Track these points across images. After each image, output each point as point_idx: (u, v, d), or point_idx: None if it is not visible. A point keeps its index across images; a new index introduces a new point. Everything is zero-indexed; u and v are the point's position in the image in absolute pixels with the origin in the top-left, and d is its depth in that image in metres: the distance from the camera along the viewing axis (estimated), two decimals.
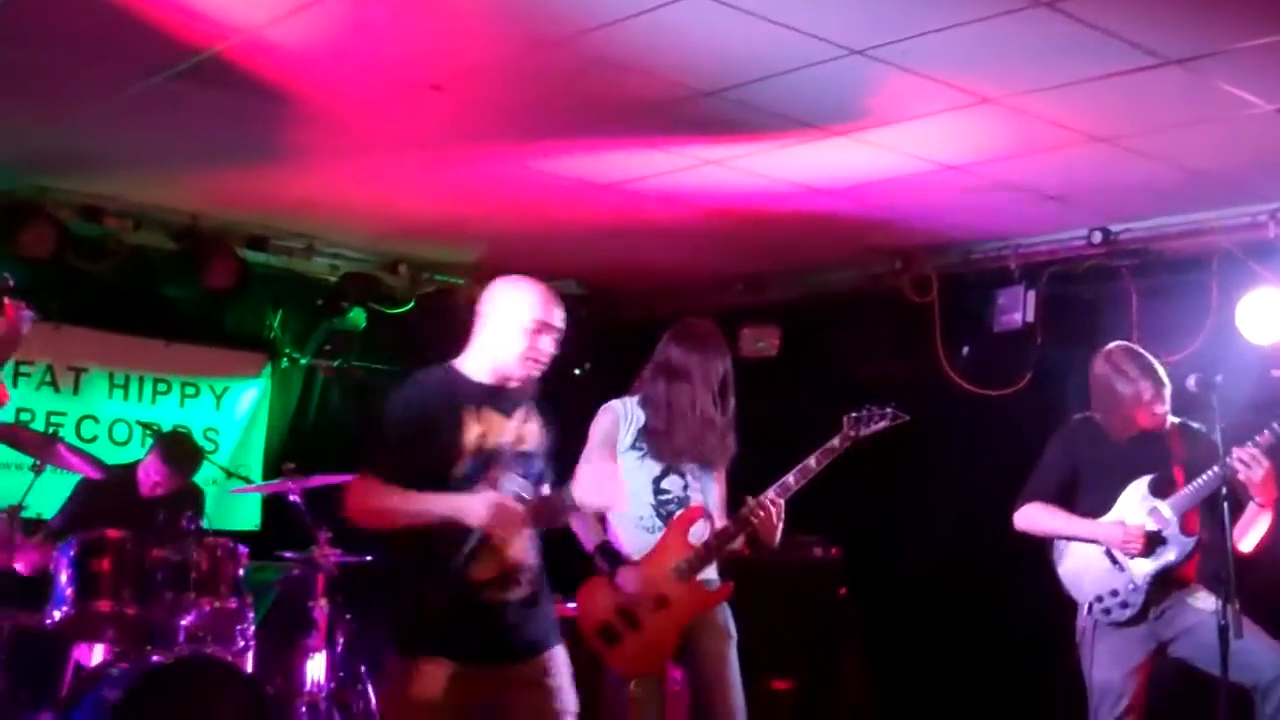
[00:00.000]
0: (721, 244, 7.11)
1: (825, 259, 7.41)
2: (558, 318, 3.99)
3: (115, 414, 7.49)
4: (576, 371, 8.42)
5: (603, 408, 4.93)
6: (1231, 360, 4.71)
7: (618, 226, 6.79)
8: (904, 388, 5.42)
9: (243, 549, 5.84)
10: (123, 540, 5.47)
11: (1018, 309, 6.83)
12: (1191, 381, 4.63)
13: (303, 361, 8.08)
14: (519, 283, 4.03)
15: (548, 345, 3.96)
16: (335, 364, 8.15)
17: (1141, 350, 5.04)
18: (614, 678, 4.81)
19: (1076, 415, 5.14)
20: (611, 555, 4.75)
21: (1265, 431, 4.62)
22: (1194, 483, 4.75)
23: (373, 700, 6.15)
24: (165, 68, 4.94)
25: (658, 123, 5.34)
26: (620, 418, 4.89)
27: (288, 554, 6.30)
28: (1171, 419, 4.99)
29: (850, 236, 6.91)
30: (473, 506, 3.68)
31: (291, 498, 6.13)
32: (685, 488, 4.87)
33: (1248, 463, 4.60)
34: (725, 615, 4.81)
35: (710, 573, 4.83)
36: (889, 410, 4.83)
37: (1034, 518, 5.05)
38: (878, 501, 6.20)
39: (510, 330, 3.93)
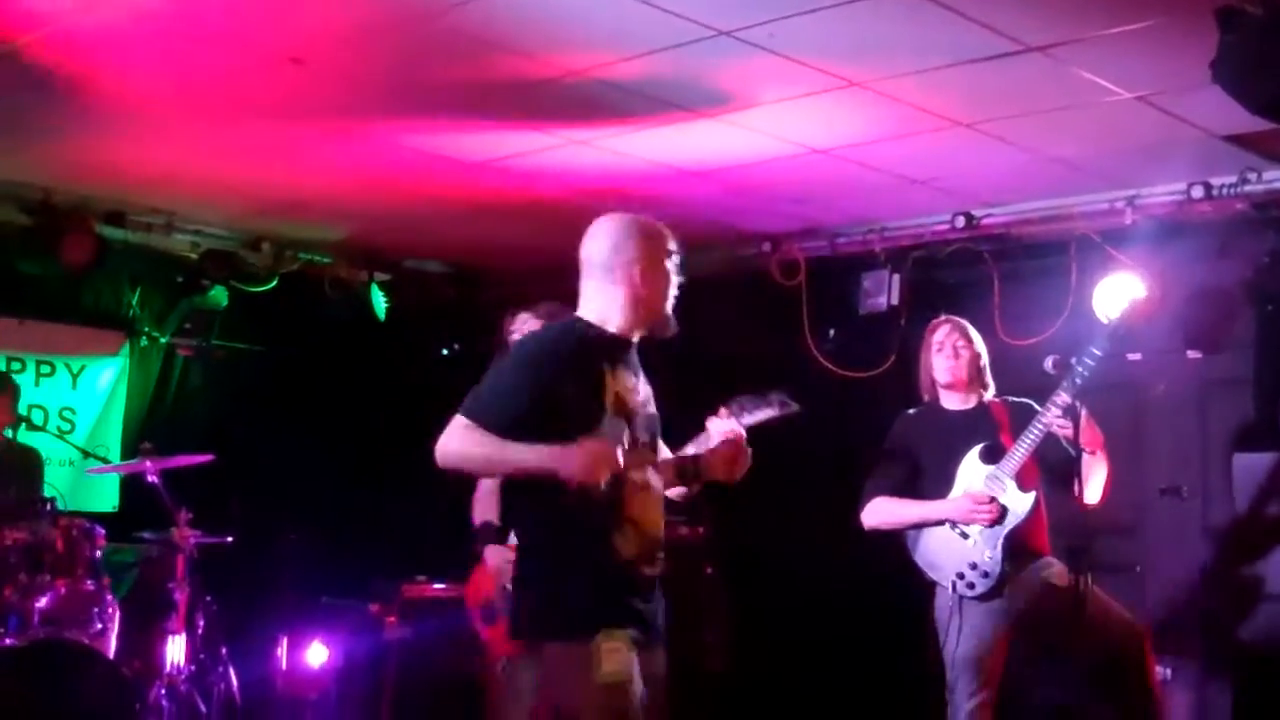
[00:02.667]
0: (589, 224, 7.10)
1: (695, 241, 7.42)
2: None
3: None
4: (445, 352, 8.41)
5: None
6: (1089, 344, 4.85)
7: (486, 205, 6.77)
8: (772, 369, 5.48)
9: (100, 530, 5.77)
10: None
11: (883, 292, 6.96)
12: (1049, 363, 4.78)
13: (162, 340, 7.95)
14: (637, 218, 3.74)
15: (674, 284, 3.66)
16: (195, 343, 8.04)
17: (954, 320, 5.21)
18: (492, 657, 4.83)
19: (908, 410, 5.29)
20: (488, 532, 4.76)
21: (1068, 380, 4.75)
22: (1019, 440, 4.93)
23: (234, 682, 6.12)
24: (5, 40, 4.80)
25: (525, 101, 5.34)
26: None
27: (146, 535, 6.23)
28: (993, 396, 5.17)
29: (719, 219, 6.97)
30: (569, 455, 3.36)
31: (150, 478, 6.05)
32: None
33: (1061, 414, 4.76)
34: None
35: None
36: (775, 398, 4.85)
37: (880, 511, 5.18)
38: (743, 481, 6.22)
39: (657, 268, 3.62)
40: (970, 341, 5.20)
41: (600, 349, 3.58)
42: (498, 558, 4.72)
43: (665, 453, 3.77)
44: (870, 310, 7.00)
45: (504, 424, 3.44)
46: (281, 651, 6.92)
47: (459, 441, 3.47)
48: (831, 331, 7.23)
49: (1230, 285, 6.21)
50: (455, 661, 6.21)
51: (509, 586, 4.61)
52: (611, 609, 3.44)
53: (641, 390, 3.65)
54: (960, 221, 6.66)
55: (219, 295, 7.70)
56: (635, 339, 3.67)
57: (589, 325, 3.63)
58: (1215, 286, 6.25)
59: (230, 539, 6.21)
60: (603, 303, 3.64)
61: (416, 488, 7.89)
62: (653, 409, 3.69)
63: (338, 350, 8.21)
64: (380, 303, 7.98)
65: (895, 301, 6.93)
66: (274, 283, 7.82)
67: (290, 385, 8.09)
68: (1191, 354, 6.31)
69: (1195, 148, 5.56)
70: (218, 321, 8.03)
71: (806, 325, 7.18)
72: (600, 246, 3.67)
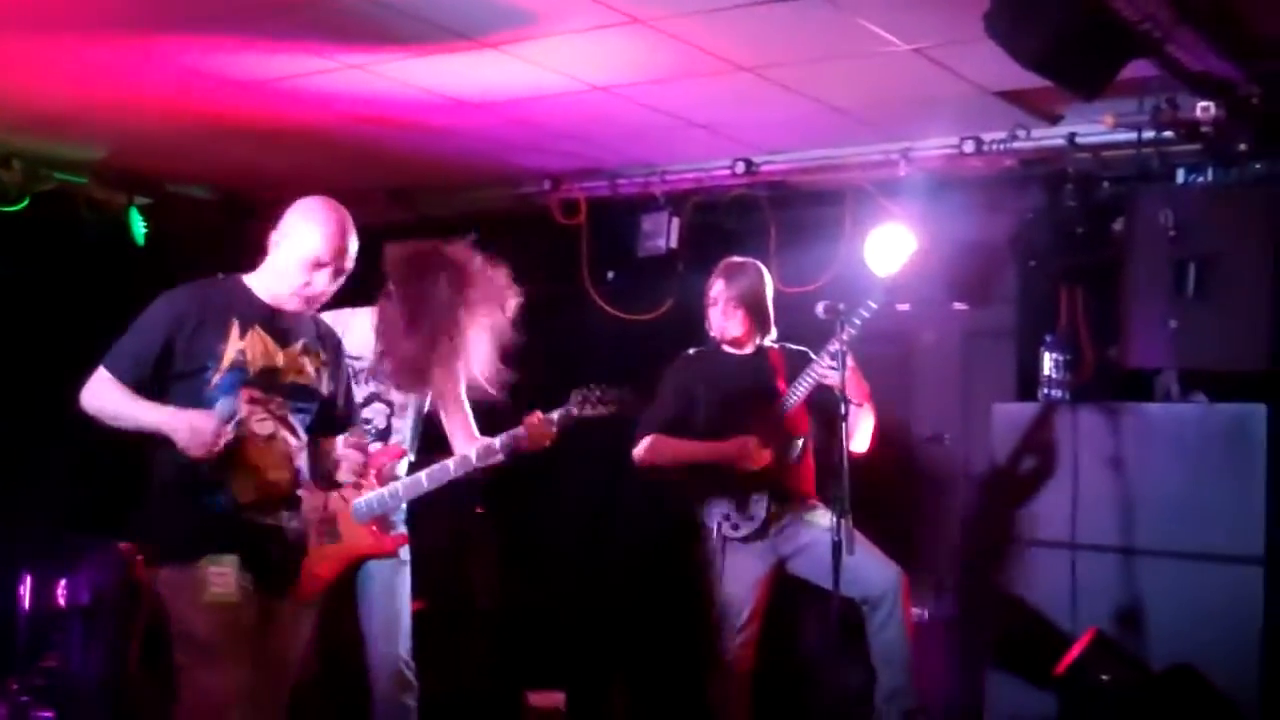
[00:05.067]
0: (365, 154, 7.00)
1: (475, 176, 7.40)
2: (345, 257, 3.95)
3: None
4: None
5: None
6: (860, 292, 4.97)
7: (255, 129, 6.58)
8: (551, 309, 5.50)
9: None
10: None
11: (662, 235, 7.02)
12: (820, 308, 4.90)
13: None
14: (312, 211, 4.02)
15: (324, 282, 3.93)
16: None
17: (732, 272, 5.29)
18: None
19: (688, 350, 5.37)
20: None
21: (839, 330, 4.89)
22: (791, 388, 5.05)
23: None
24: None
25: (298, 21, 5.19)
26: None
27: None
28: (771, 342, 5.29)
29: (499, 155, 6.91)
30: (175, 423, 3.79)
31: None
32: (390, 416, 4.78)
33: (833, 364, 4.89)
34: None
35: (400, 514, 4.78)
36: (618, 394, 4.79)
37: (655, 448, 5.26)
38: (516, 420, 6.25)
39: (288, 259, 3.94)
40: (741, 297, 5.24)
41: (240, 305, 3.96)
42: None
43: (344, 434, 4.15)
44: (649, 253, 7.05)
45: (130, 370, 3.93)
46: (25, 589, 6.73)
47: (91, 392, 3.96)
48: (610, 273, 7.26)
49: (996, 240, 6.42)
50: None
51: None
52: (220, 539, 3.86)
53: (287, 359, 3.98)
54: (740, 168, 6.74)
55: None
56: (289, 311, 4.01)
57: (240, 283, 4.05)
58: (982, 241, 6.45)
59: None
60: (262, 268, 4.06)
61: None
62: (309, 382, 4.04)
63: (94, 276, 7.91)
64: (139, 227, 7.72)
65: (674, 245, 7.00)
66: (25, 202, 7.48)
67: (39, 308, 7.77)
68: (958, 306, 6.53)
69: (968, 103, 5.72)
70: None
71: (586, 266, 7.20)
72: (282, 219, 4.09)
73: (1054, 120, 5.95)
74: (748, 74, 5.55)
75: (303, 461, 4.04)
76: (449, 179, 7.45)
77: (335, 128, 6.52)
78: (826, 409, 5.07)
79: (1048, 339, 5.96)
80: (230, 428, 3.80)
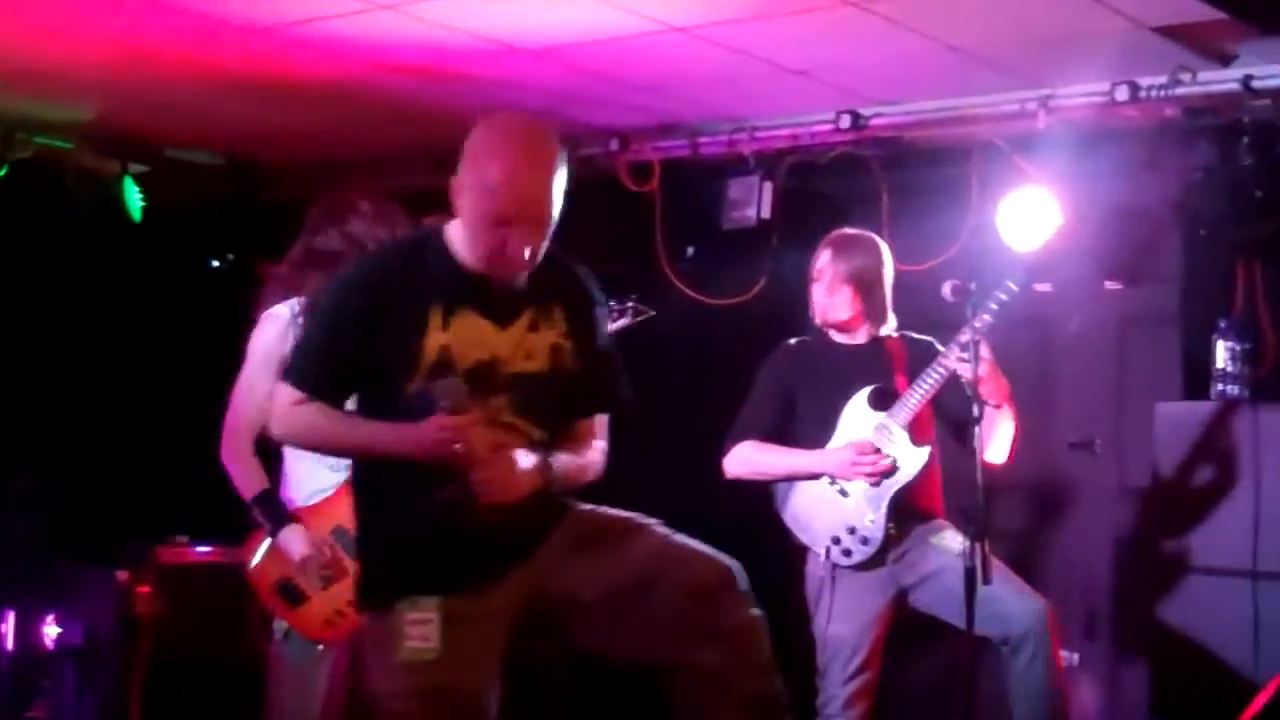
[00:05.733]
0: (400, 111, 7.04)
1: None
2: (537, 205, 3.47)
3: None
4: (215, 264, 8.29)
5: (264, 315, 4.76)
6: (992, 269, 4.94)
7: (268, 83, 6.64)
8: (619, 293, 5.50)
9: None
10: None
11: (752, 203, 7.01)
12: (947, 289, 4.86)
13: None
14: (489, 141, 3.55)
15: (522, 242, 3.46)
16: None
17: (842, 243, 5.27)
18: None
19: (789, 340, 5.36)
20: (273, 508, 4.66)
21: (972, 315, 4.83)
22: (914, 386, 5.03)
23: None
24: None
25: None
26: (290, 328, 4.68)
27: None
28: (892, 330, 5.26)
29: (559, 109, 6.93)
30: (413, 439, 3.48)
31: None
32: None
33: (964, 357, 4.86)
34: None
35: None
36: (629, 304, 4.79)
37: (747, 459, 5.25)
38: None
39: (468, 213, 3.52)
40: (852, 273, 5.23)
41: (436, 279, 3.56)
42: (300, 544, 4.63)
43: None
44: (736, 224, 7.04)
45: (325, 384, 3.59)
46: (7, 627, 6.81)
47: (291, 419, 3.63)
48: (690, 249, 7.26)
49: (1156, 205, 6.37)
50: (224, 642, 6.14)
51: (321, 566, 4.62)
52: (420, 571, 3.56)
53: (508, 343, 3.60)
54: (845, 121, 6.71)
55: None
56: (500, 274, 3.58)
57: (437, 244, 3.61)
58: (1139, 206, 6.40)
59: None
60: (459, 221, 3.61)
61: (175, 429, 7.86)
62: (538, 368, 3.64)
63: (81, 258, 8.02)
64: (136, 200, 7.81)
65: (766, 214, 6.98)
66: (3, 172, 7.61)
67: (19, 298, 7.88)
68: (1110, 285, 6.47)
69: (1122, 40, 5.66)
70: None
71: (660, 241, 7.20)
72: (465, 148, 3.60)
73: (1226, 61, 5.88)
74: (852, 9, 5.52)
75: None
76: None
77: (362, 80, 6.57)
78: (955, 411, 5.04)
79: (1220, 324, 5.90)
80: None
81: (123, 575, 6.58)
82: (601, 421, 3.84)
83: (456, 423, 3.44)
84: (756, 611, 3.69)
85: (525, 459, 3.55)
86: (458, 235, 3.58)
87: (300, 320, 4.64)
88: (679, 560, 3.68)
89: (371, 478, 3.69)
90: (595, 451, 3.79)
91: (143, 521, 6.91)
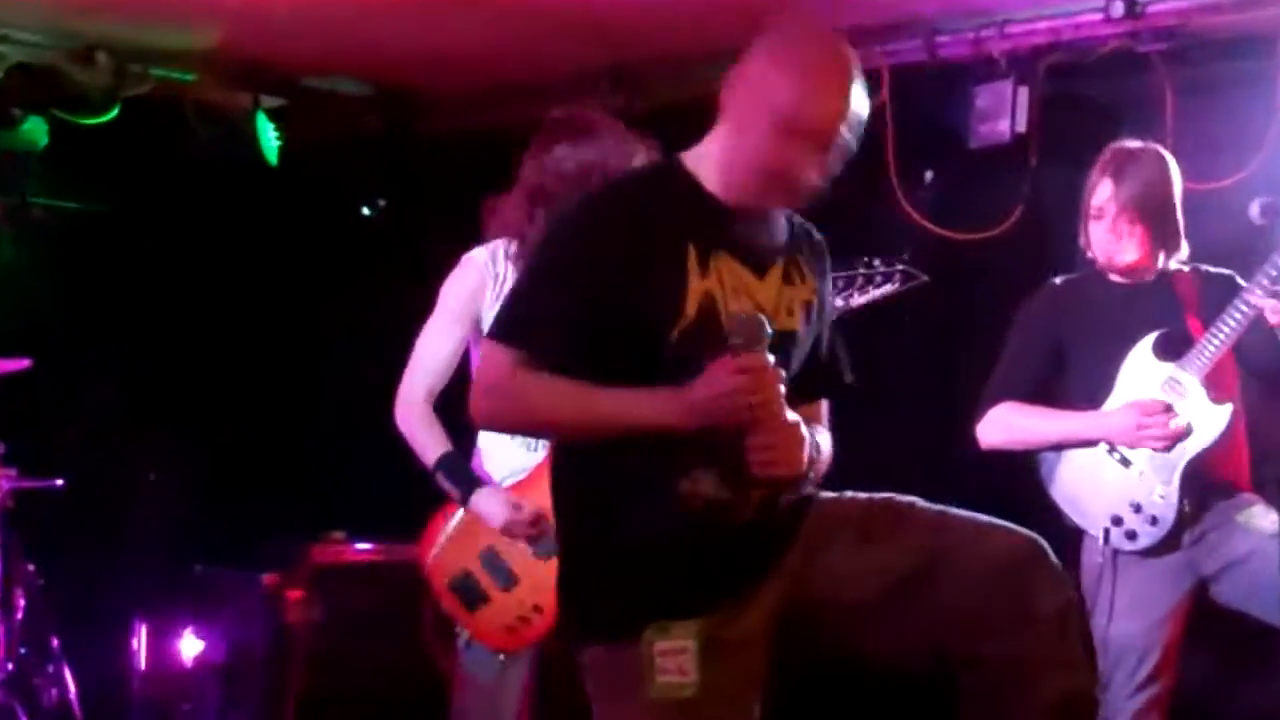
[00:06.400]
0: (576, 22, 7.05)
1: (728, 43, 7.38)
2: (844, 120, 3.48)
3: None
4: (366, 211, 8.38)
5: (462, 260, 4.87)
6: None
7: None
8: (840, 226, 5.45)
9: None
10: None
11: (1005, 114, 6.90)
12: (1255, 209, 4.77)
13: None
14: (796, 38, 3.58)
15: (812, 165, 3.49)
16: (3, 201, 8.01)
17: (1123, 160, 5.15)
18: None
19: (1055, 278, 5.27)
20: (461, 472, 4.72)
21: None
22: (1211, 330, 4.90)
23: (71, 686, 6.18)
24: None
25: None
26: (487, 276, 4.79)
27: None
28: (1179, 264, 5.14)
29: (768, 9, 6.88)
30: (680, 399, 3.36)
31: None
32: None
33: (1274, 289, 4.74)
34: None
35: None
36: (898, 267, 4.69)
37: (1007, 424, 5.19)
38: None
39: (751, 127, 3.49)
40: (1140, 203, 5.11)
41: (689, 216, 3.53)
42: (494, 504, 4.69)
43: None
44: (986, 141, 6.95)
45: (558, 348, 3.45)
46: (139, 642, 6.97)
47: (507, 390, 3.48)
48: (929, 173, 7.19)
49: None
50: (392, 655, 6.24)
51: (522, 545, 4.65)
52: (668, 588, 3.48)
53: (771, 294, 3.59)
54: (1117, 9, 6.58)
55: (35, 131, 7.65)
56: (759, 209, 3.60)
57: (682, 175, 3.60)
58: None
59: (60, 482, 6.24)
60: (712, 145, 3.59)
61: (324, 407, 7.99)
62: (798, 327, 3.63)
63: (209, 210, 8.18)
64: (271, 140, 7.94)
65: (1022, 128, 6.87)
66: (115, 112, 7.74)
67: (141, 262, 8.06)
68: None
69: None
70: (34, 169, 7.98)
71: (892, 164, 7.13)
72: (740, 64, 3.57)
73: None
74: None
75: None
76: (689, 52, 7.45)
77: None
78: (1263, 360, 4.92)
79: None
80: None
81: (270, 579, 6.74)
82: (825, 408, 3.80)
83: (754, 365, 3.33)
84: (1070, 593, 3.63)
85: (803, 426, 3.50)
86: (705, 165, 3.56)
87: (510, 266, 4.70)
88: (967, 537, 3.61)
89: (596, 468, 3.53)
90: (828, 441, 3.73)
91: (291, 516, 7.09)
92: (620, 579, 3.50)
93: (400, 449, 4.85)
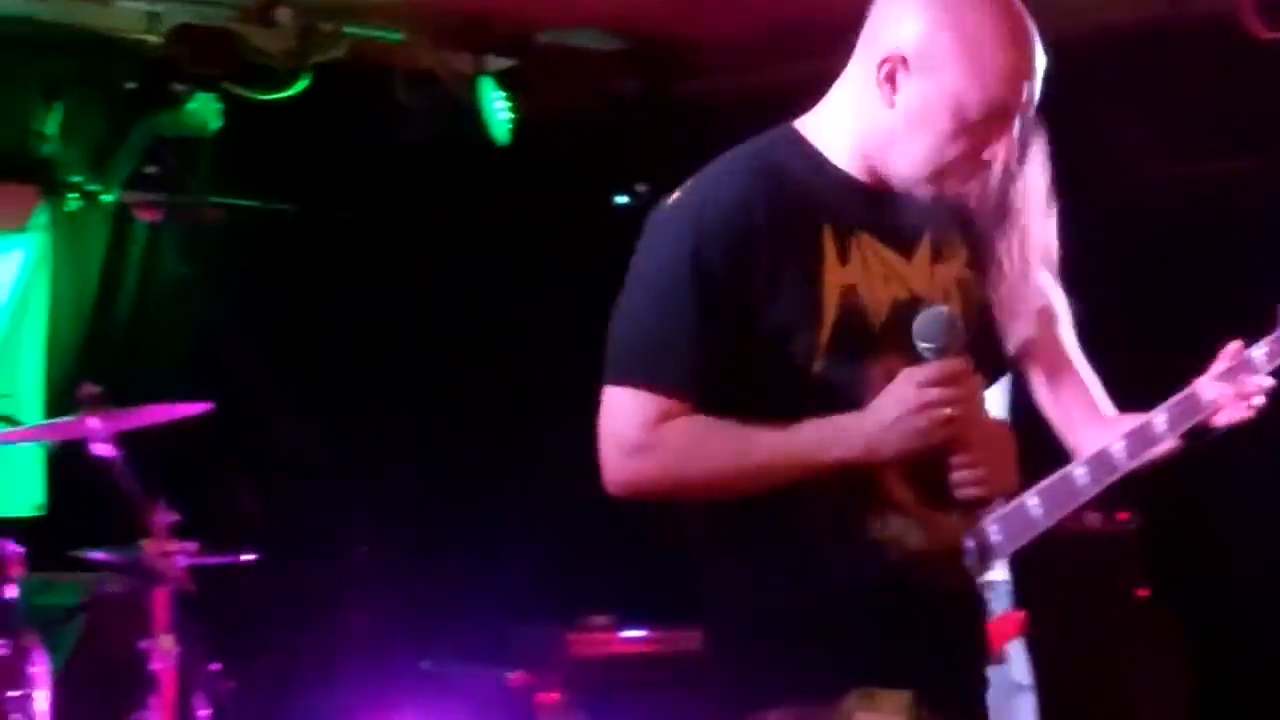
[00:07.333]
0: None
1: None
2: (1029, 89, 3.56)
3: None
4: (622, 201, 8.41)
5: None
6: None
7: None
8: (1237, 212, 5.34)
9: (13, 547, 5.92)
10: None
11: None
12: None
13: (107, 197, 8.08)
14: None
15: (1005, 141, 3.56)
16: (167, 199, 8.16)
17: None
18: None
19: None
20: None
21: None
22: None
23: None
24: None
25: None
26: None
27: (97, 554, 6.33)
28: None
29: None
30: (858, 427, 3.42)
31: (98, 449, 6.12)
32: None
33: None
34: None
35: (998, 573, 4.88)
36: None
37: None
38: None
39: (927, 125, 3.54)
40: None
41: (823, 194, 3.56)
42: None
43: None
44: None
45: (699, 380, 3.44)
46: None
47: (647, 445, 3.47)
48: None
49: None
50: None
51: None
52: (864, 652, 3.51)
53: (922, 276, 3.65)
54: None
55: (205, 110, 7.77)
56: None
57: (805, 145, 3.62)
58: None
59: (249, 558, 6.32)
60: (838, 105, 3.61)
61: (576, 453, 7.98)
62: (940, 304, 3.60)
63: (422, 207, 8.25)
64: (498, 112, 7.98)
65: None
66: (302, 84, 7.86)
67: (337, 273, 8.15)
68: None
69: None
70: (204, 159, 8.13)
71: None
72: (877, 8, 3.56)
73: None
74: None
75: None
76: None
77: None
78: None
79: None
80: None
81: (517, 677, 6.78)
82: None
83: (952, 373, 3.39)
84: None
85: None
86: (831, 135, 3.59)
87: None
88: None
89: (759, 517, 3.53)
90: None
91: (539, 597, 7.09)
92: (819, 635, 3.51)
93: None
